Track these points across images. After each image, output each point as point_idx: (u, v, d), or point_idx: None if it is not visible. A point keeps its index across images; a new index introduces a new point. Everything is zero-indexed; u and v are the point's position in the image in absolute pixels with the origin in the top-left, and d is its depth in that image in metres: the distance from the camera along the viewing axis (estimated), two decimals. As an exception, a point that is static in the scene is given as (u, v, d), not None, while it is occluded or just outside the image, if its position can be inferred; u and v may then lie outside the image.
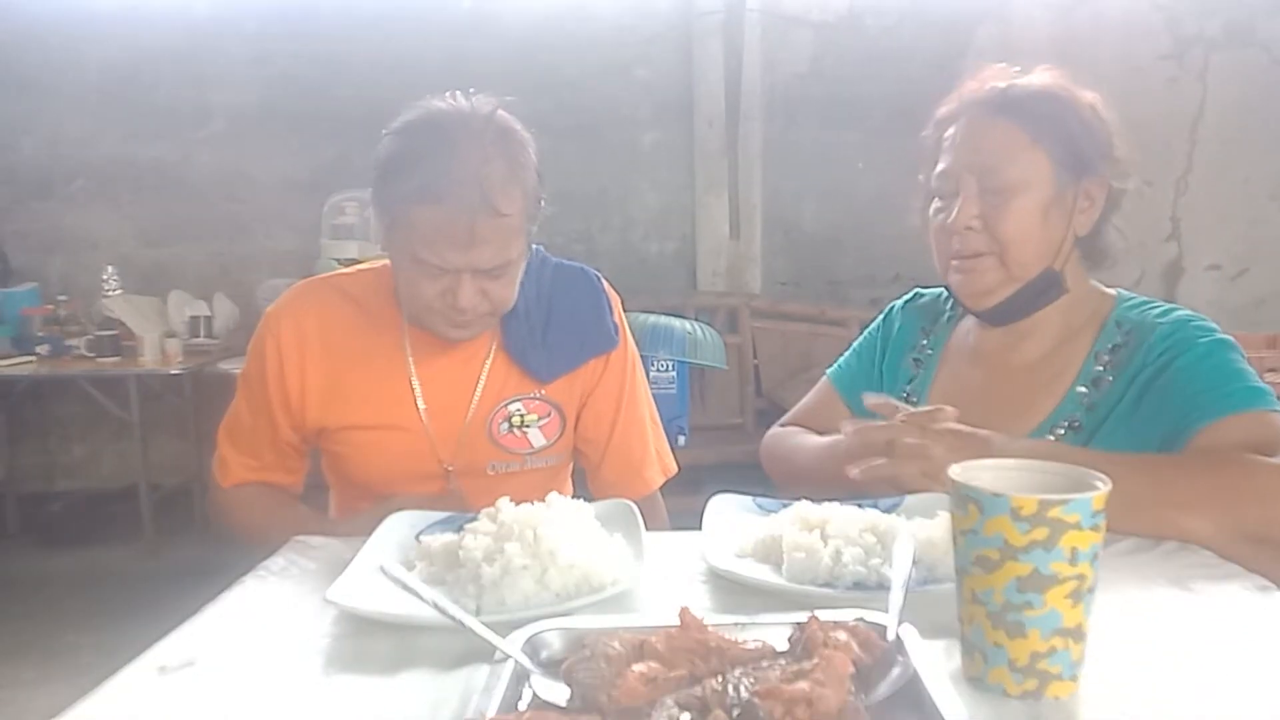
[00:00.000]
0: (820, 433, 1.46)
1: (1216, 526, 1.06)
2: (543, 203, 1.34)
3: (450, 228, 1.22)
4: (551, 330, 1.46)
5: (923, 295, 1.54)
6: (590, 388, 1.49)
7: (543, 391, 1.46)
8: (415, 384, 1.42)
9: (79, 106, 4.43)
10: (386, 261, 1.42)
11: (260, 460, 1.45)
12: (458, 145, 1.23)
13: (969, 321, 1.44)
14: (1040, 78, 1.30)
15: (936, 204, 1.33)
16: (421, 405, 1.42)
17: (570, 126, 4.32)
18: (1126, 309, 1.33)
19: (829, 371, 1.57)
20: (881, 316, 1.55)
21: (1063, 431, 1.27)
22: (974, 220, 1.27)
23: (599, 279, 1.54)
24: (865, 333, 1.57)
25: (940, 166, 1.31)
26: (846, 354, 1.57)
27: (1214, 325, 1.26)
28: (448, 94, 1.29)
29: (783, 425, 1.54)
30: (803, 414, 1.55)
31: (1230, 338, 1.24)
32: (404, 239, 1.27)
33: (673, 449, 1.62)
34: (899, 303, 1.55)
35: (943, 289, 1.50)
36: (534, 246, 1.50)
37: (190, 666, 0.82)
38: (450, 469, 1.43)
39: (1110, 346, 1.30)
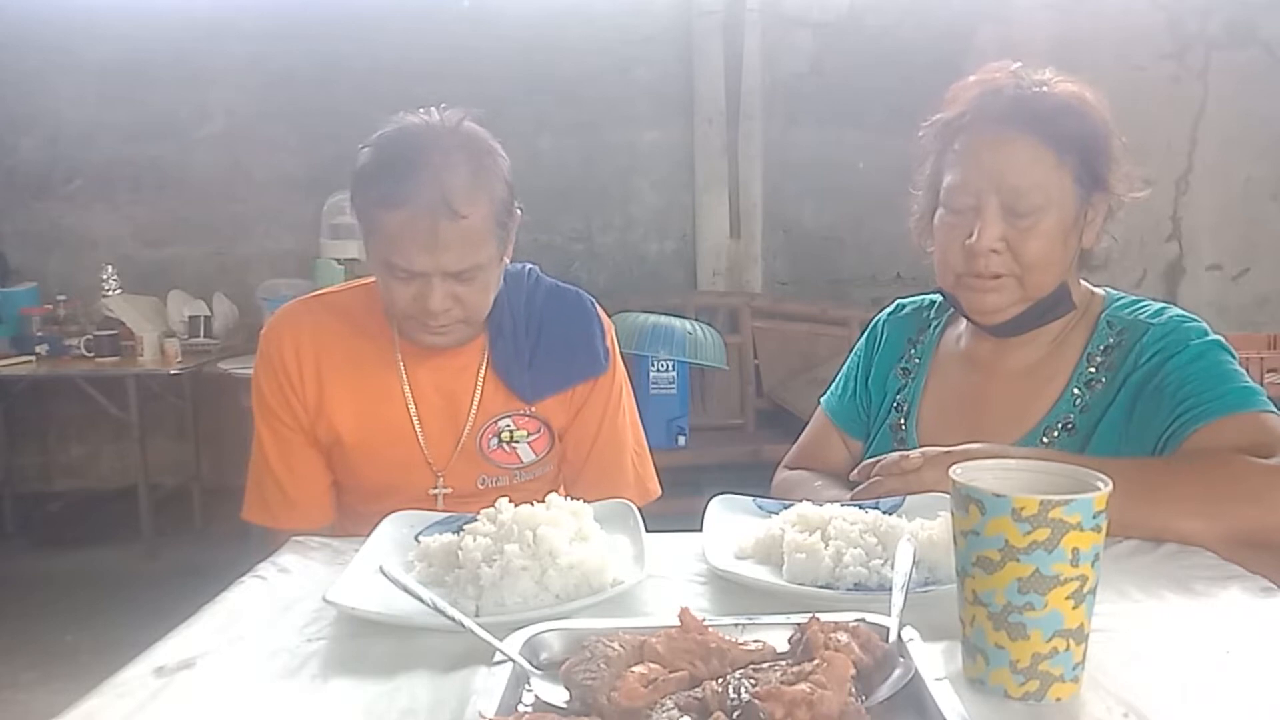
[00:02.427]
0: (822, 468, 1.46)
1: (1211, 529, 1.05)
2: (519, 212, 1.37)
3: (414, 230, 1.26)
4: (540, 352, 1.47)
5: (905, 306, 1.52)
6: (576, 409, 1.50)
7: (532, 408, 1.47)
8: (409, 396, 1.43)
9: (78, 106, 4.42)
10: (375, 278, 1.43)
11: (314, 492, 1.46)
12: (422, 152, 1.28)
13: (958, 328, 1.43)
14: (1057, 86, 1.25)
15: (946, 216, 1.28)
16: (415, 418, 1.43)
17: (570, 125, 4.32)
18: (1117, 309, 1.32)
19: (822, 400, 1.55)
20: (866, 334, 1.54)
21: (1057, 434, 1.27)
22: (998, 243, 1.23)
23: (593, 304, 1.54)
24: (851, 354, 1.55)
25: (955, 179, 1.26)
26: (836, 379, 1.55)
27: (1205, 325, 1.26)
28: (421, 109, 1.34)
29: (788, 467, 1.52)
30: (803, 451, 1.53)
31: (1222, 338, 1.24)
32: (376, 245, 1.31)
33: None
34: (883, 315, 1.53)
35: (927, 297, 1.49)
36: (527, 267, 1.51)
37: (188, 667, 0.82)
38: (442, 485, 1.43)
39: (1102, 347, 1.29)
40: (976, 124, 1.25)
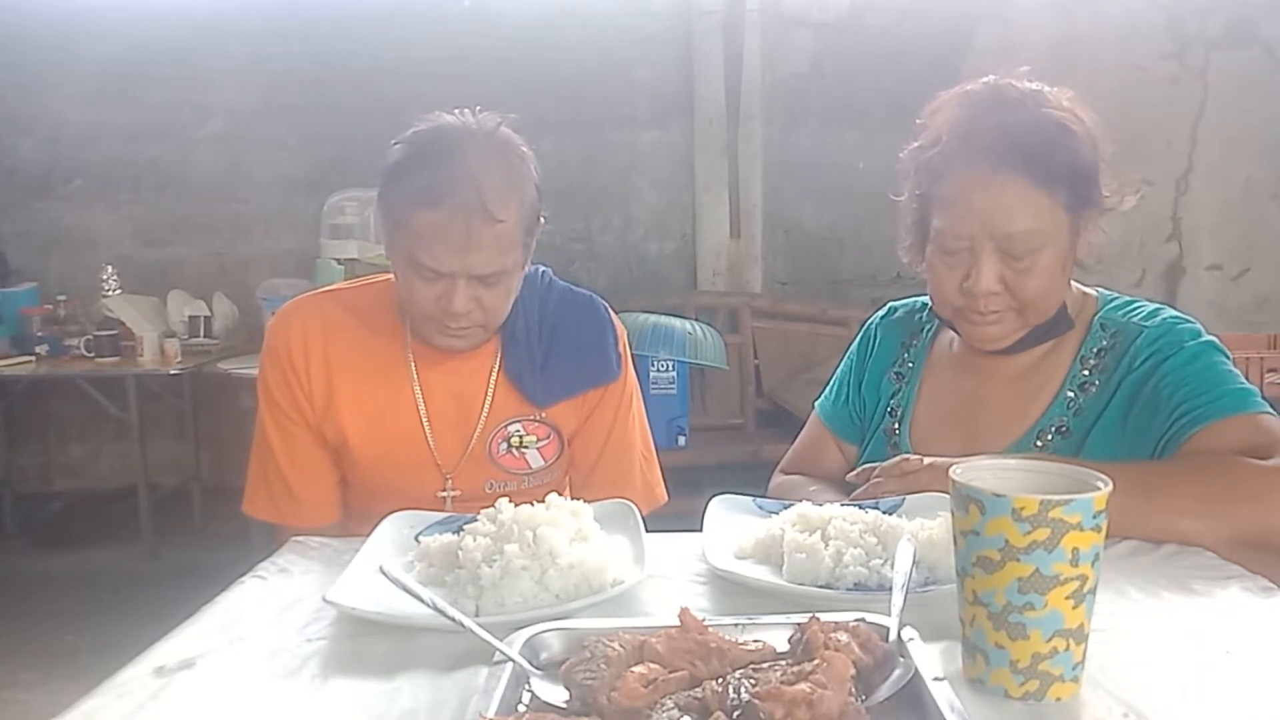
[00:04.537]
0: (818, 473, 1.47)
1: (1211, 530, 1.06)
2: (543, 220, 1.37)
3: (447, 231, 1.25)
4: (552, 357, 1.46)
5: (897, 309, 1.51)
6: (586, 415, 1.49)
7: (542, 414, 1.46)
8: (420, 398, 1.42)
9: (78, 106, 4.42)
10: (388, 277, 1.42)
11: (319, 487, 1.44)
12: (459, 153, 1.26)
13: (951, 333, 1.43)
14: (1039, 109, 1.21)
15: (941, 255, 1.26)
16: (425, 420, 1.42)
17: (570, 125, 4.32)
18: (1110, 310, 1.32)
19: (816, 404, 1.55)
20: (859, 337, 1.53)
21: (1051, 437, 1.27)
22: (996, 285, 1.22)
23: (606, 309, 1.53)
24: (845, 357, 1.54)
25: (945, 224, 1.24)
26: (831, 383, 1.55)
27: (1200, 327, 1.26)
28: (457, 110, 1.32)
29: (783, 472, 1.52)
30: (798, 456, 1.53)
31: (1216, 339, 1.24)
32: (404, 242, 1.29)
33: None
34: (876, 318, 1.52)
35: (919, 300, 1.49)
36: (540, 269, 1.51)
37: (188, 667, 0.82)
38: (450, 487, 1.43)
39: (1096, 350, 1.29)
40: (962, 162, 1.22)
